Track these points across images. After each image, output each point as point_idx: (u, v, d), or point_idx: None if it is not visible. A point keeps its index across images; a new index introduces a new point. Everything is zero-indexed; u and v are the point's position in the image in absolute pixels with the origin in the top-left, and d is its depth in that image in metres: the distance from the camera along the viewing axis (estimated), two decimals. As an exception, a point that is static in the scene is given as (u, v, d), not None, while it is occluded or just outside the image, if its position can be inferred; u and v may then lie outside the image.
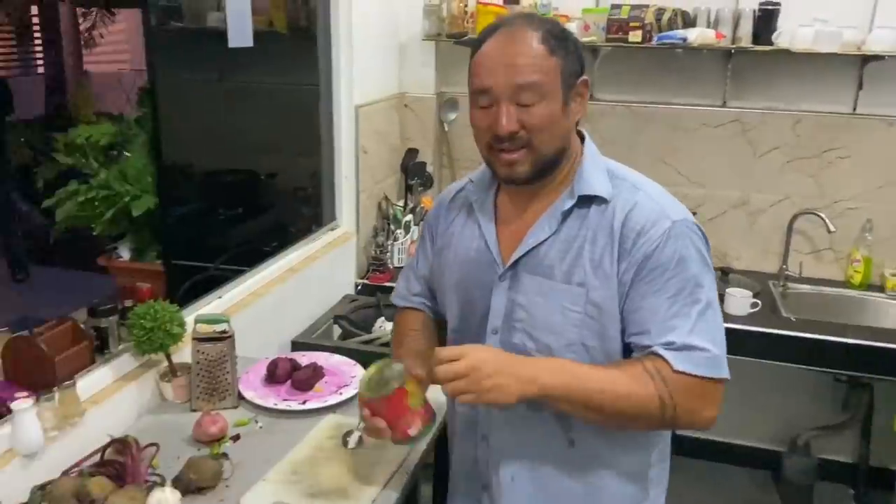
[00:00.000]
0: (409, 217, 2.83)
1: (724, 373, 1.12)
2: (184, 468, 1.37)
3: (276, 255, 2.30)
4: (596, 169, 1.20)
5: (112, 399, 1.57)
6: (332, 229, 2.63)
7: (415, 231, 2.86)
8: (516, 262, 1.22)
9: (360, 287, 2.68)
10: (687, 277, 1.12)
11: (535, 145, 1.13)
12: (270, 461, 1.46)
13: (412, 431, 1.18)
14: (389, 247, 2.76)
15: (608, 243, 1.15)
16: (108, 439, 1.43)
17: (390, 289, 2.62)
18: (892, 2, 2.55)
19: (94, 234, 1.80)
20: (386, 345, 2.16)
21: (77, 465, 1.39)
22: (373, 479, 1.39)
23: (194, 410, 1.64)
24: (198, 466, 1.36)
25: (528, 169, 1.16)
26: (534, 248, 1.20)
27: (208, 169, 2.25)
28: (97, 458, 1.40)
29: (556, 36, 1.14)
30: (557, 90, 1.13)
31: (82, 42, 3.71)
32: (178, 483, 1.34)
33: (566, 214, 1.19)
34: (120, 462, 1.37)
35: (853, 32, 2.52)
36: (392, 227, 2.78)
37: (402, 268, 2.80)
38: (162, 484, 1.34)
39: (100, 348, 1.66)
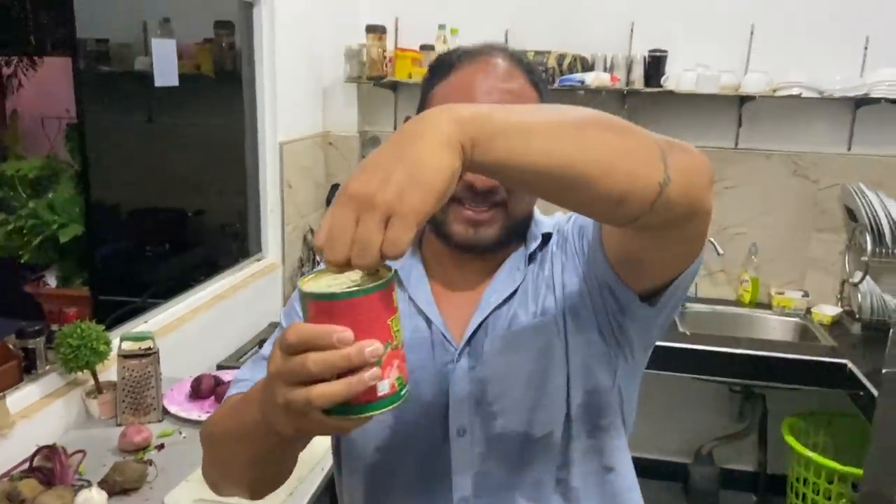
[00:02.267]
0: (334, 248, 2.96)
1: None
2: (110, 471, 1.46)
3: (202, 282, 2.40)
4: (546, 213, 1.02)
5: (40, 414, 1.65)
6: (258, 260, 2.75)
7: (339, 262, 2.99)
8: (475, 331, 0.93)
9: (286, 315, 2.78)
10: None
11: (510, 206, 0.91)
12: (194, 465, 1.56)
13: (388, 381, 0.61)
14: (314, 277, 2.88)
15: (565, 262, 0.96)
16: (35, 448, 1.50)
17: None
18: (763, 48, 2.88)
19: (21, 262, 1.88)
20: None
21: (7, 473, 1.47)
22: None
23: (120, 425, 1.72)
24: (123, 469, 1.45)
25: (495, 234, 0.91)
26: (496, 308, 0.94)
27: (137, 205, 2.35)
28: (27, 465, 1.48)
29: (533, 69, 0.93)
30: None
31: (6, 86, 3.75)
32: (104, 484, 1.43)
33: (532, 258, 0.97)
34: (48, 467, 1.45)
35: (730, 76, 2.83)
36: (317, 258, 2.91)
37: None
38: (89, 486, 1.43)
39: (27, 368, 1.74)
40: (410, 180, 0.57)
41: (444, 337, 0.93)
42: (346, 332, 0.59)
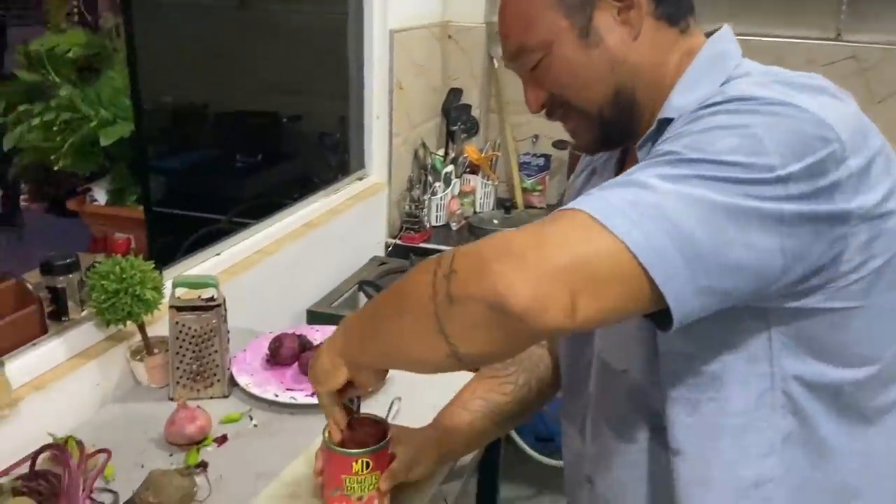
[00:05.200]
0: (450, 168, 2.41)
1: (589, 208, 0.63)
2: (140, 487, 0.99)
3: (290, 206, 1.91)
4: (702, 80, 0.79)
5: (65, 382, 1.20)
6: (360, 178, 2.23)
7: (456, 185, 2.44)
8: None
9: (390, 248, 2.28)
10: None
11: (574, 106, 0.84)
12: (264, 475, 1.08)
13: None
14: (426, 202, 2.34)
15: None
16: (49, 440, 1.06)
17: (426, 251, 2.25)
18: None
19: (55, 168, 1.42)
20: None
21: (-2, 476, 1.02)
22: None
23: (173, 399, 1.26)
24: (159, 485, 0.98)
25: (591, 136, 0.86)
26: None
27: (219, 106, 1.87)
28: (29, 466, 1.03)
29: None
30: (558, 29, 0.79)
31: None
32: (130, 508, 0.97)
33: (649, 149, 0.80)
34: (55, 474, 0.99)
35: None
36: (430, 178, 2.36)
37: (440, 227, 2.42)
38: (110, 509, 0.97)
39: (56, 315, 1.29)
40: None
41: None
42: None
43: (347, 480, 0.92)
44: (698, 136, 0.68)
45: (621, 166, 0.92)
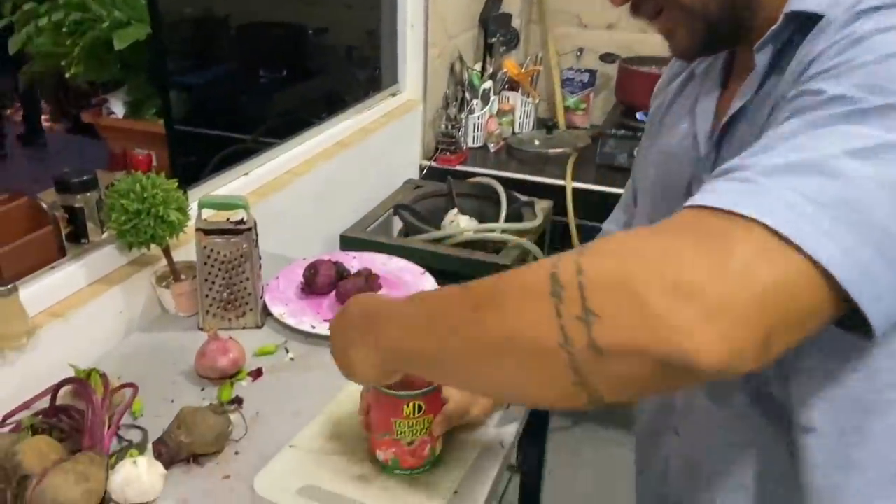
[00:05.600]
0: (488, 84, 2.25)
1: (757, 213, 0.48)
2: (171, 425, 0.90)
3: (319, 124, 1.77)
4: None
5: (86, 310, 1.11)
6: (393, 94, 2.08)
7: (494, 102, 2.28)
8: (718, 144, 0.74)
9: (425, 170, 2.15)
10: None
11: (673, 2, 0.69)
12: (303, 413, 0.99)
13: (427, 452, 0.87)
14: (463, 121, 2.20)
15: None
16: (70, 372, 0.97)
17: (464, 174, 2.11)
18: None
19: (67, 76, 1.29)
20: (463, 245, 1.65)
21: (15, 411, 0.94)
22: (454, 454, 0.91)
23: (203, 330, 1.17)
24: (192, 423, 0.89)
25: (692, 37, 0.71)
26: (732, 118, 0.71)
27: (240, 17, 1.71)
28: (49, 401, 0.95)
29: None
30: None
31: None
32: (161, 448, 0.88)
33: (773, 53, 0.66)
34: (78, 410, 0.91)
35: None
36: (467, 96, 2.21)
37: (477, 148, 2.28)
38: (136, 449, 0.88)
39: (74, 237, 1.20)
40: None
41: (700, 145, 0.76)
42: None
43: (397, 424, 0.83)
44: (877, 67, 0.51)
45: (728, 72, 0.77)
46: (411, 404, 0.82)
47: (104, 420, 0.89)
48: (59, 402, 0.93)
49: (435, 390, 0.84)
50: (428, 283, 1.29)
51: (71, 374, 0.96)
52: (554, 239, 1.94)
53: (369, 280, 1.23)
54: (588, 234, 2.31)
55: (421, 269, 1.32)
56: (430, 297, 0.65)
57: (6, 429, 0.91)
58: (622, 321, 0.45)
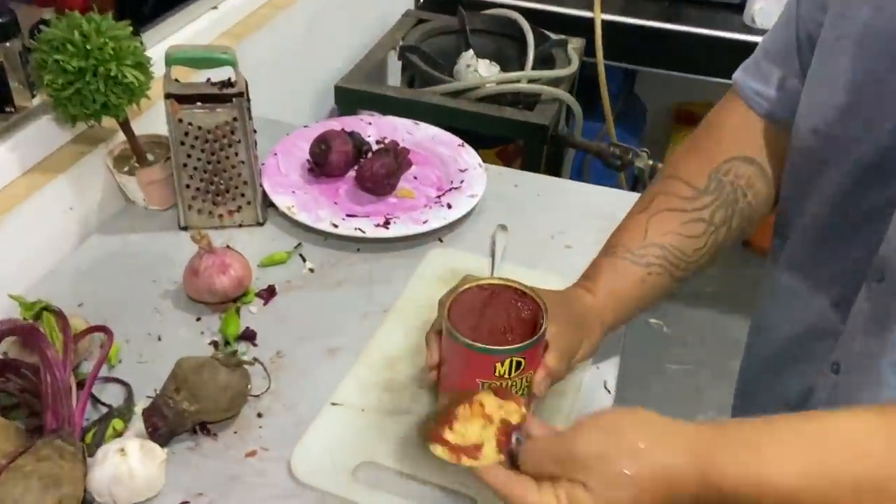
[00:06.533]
0: None
1: None
2: (167, 385, 0.65)
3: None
4: None
5: (23, 210, 0.81)
6: None
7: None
8: None
9: (422, 0, 1.78)
10: None
11: None
12: (342, 351, 0.74)
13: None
14: (467, -62, 1.79)
15: None
16: (14, 308, 0.70)
17: (475, 3, 1.73)
18: None
19: None
20: (485, 100, 1.34)
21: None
22: (548, 404, 0.69)
23: (185, 229, 0.89)
24: (196, 385, 0.64)
25: None
26: None
27: None
28: (-12, 350, 0.68)
29: None
30: None
31: None
32: (156, 420, 0.63)
33: None
34: (29, 366, 0.64)
35: None
36: None
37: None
38: (119, 418, 0.63)
39: (-6, 105, 0.87)
40: None
41: None
42: None
43: (485, 386, 0.59)
44: None
45: None
46: (507, 361, 0.58)
47: (70, 385, 0.63)
48: (4, 355, 0.67)
49: (538, 341, 0.60)
50: (468, 156, 1.00)
51: (12, 311, 0.69)
52: (579, 86, 1.64)
53: (399, 157, 0.95)
54: (615, 77, 2.01)
55: (458, 140, 1.03)
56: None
57: (-72, 403, 0.65)
58: None
